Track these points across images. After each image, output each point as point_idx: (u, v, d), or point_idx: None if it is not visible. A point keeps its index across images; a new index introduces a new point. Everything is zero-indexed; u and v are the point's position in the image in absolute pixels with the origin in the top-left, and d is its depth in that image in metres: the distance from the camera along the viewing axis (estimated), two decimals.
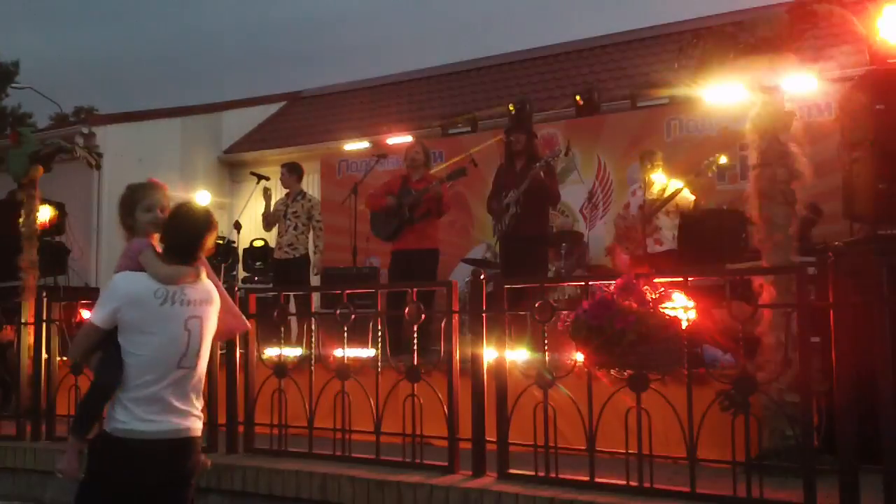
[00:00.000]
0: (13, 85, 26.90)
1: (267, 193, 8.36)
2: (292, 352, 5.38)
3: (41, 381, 5.60)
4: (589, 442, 3.94)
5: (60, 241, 9.50)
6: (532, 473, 4.06)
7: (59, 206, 9.05)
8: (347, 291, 4.84)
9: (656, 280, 3.87)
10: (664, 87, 9.08)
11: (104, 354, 3.05)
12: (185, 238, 3.09)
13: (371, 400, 4.57)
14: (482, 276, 4.44)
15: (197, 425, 3.10)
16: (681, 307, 3.77)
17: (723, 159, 7.15)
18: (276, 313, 4.96)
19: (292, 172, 8.41)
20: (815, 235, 6.42)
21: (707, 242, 6.48)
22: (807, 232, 6.06)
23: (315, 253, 8.33)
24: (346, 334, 4.70)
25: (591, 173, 9.63)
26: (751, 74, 4.30)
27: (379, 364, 4.59)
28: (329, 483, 4.37)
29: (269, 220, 8.38)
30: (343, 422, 4.62)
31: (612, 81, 11.10)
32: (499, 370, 4.25)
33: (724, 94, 4.61)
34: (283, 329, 5.00)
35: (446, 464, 4.32)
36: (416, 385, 4.45)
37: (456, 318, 4.44)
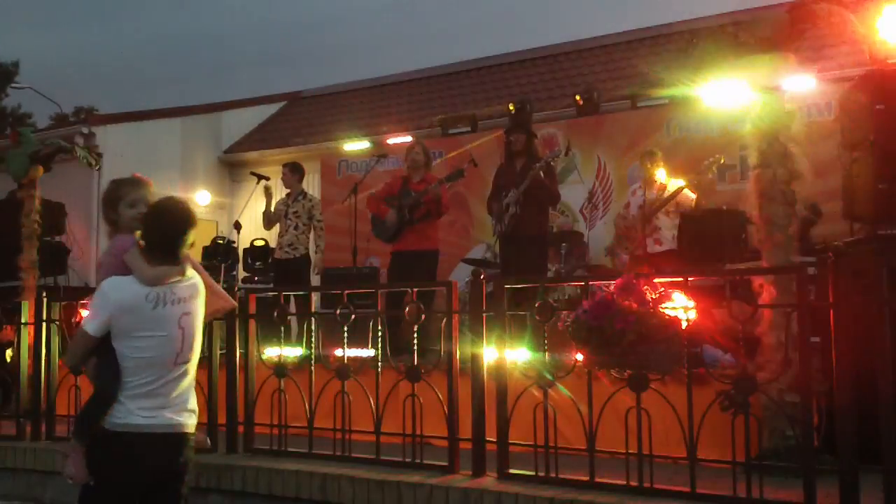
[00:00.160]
0: (13, 85, 26.93)
1: (268, 192, 8.36)
2: (292, 352, 5.38)
3: (41, 381, 5.60)
4: (589, 442, 3.94)
5: (60, 241, 9.51)
6: (532, 473, 4.06)
7: (59, 206, 9.06)
8: (347, 291, 4.84)
9: (656, 280, 3.87)
10: (664, 87, 9.07)
11: (101, 362, 3.05)
12: (165, 236, 3.06)
13: (371, 400, 4.57)
14: (482, 276, 4.44)
15: (191, 421, 3.12)
16: (681, 307, 3.77)
17: (723, 160, 7.16)
18: (275, 313, 4.96)
19: (294, 172, 8.41)
20: (815, 235, 6.42)
21: (707, 242, 6.48)
22: (806, 232, 6.06)
23: (316, 252, 8.33)
24: (346, 334, 4.71)
25: (591, 173, 9.63)
26: (751, 74, 4.31)
27: (379, 364, 4.59)
28: (329, 483, 4.37)
29: (269, 219, 8.38)
30: (343, 422, 4.62)
31: (612, 81, 11.10)
32: (499, 370, 4.25)
33: (724, 94, 4.61)
34: (283, 329, 5.00)
35: (446, 464, 4.32)
36: (416, 385, 4.45)
37: (456, 318, 4.44)
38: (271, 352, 5.11)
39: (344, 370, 4.66)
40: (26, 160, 6.23)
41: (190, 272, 3.18)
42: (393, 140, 10.53)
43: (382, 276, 8.42)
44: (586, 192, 9.38)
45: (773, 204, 4.27)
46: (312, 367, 4.83)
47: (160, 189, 10.34)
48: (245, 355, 5.05)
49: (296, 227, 8.20)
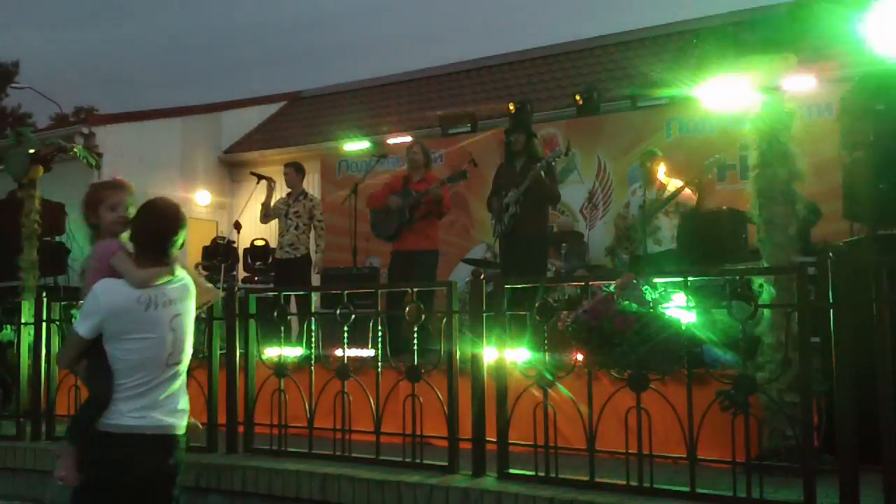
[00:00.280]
0: (13, 85, 26.94)
1: (270, 186, 8.36)
2: (292, 352, 5.38)
3: (41, 381, 5.60)
4: (589, 442, 3.94)
5: (60, 241, 9.51)
6: (532, 473, 4.07)
7: (59, 206, 9.05)
8: (347, 291, 4.84)
9: (656, 280, 3.87)
10: (664, 87, 9.07)
11: (93, 365, 3.06)
12: (156, 237, 3.06)
13: (371, 400, 4.57)
14: (482, 276, 4.44)
15: (182, 422, 3.13)
16: (681, 307, 3.78)
17: (724, 160, 7.17)
18: (275, 313, 4.96)
19: (298, 171, 8.45)
20: (815, 235, 6.42)
21: (707, 242, 6.48)
22: (806, 232, 6.06)
23: (316, 252, 8.33)
24: (346, 334, 4.71)
25: (591, 173, 9.64)
26: (751, 74, 4.30)
27: (379, 364, 4.59)
28: (329, 483, 4.37)
29: (267, 213, 8.38)
30: (343, 422, 4.62)
31: (612, 81, 11.10)
32: (499, 370, 4.25)
33: (724, 94, 4.60)
34: (283, 329, 5.00)
35: (446, 464, 4.32)
36: (416, 385, 4.46)
37: (456, 318, 4.44)
38: (271, 352, 5.11)
39: (344, 370, 4.66)
40: (26, 160, 6.23)
41: (179, 272, 3.17)
42: (393, 140, 10.53)
43: (382, 277, 8.42)
44: (586, 192, 9.39)
45: (773, 204, 4.27)
46: (312, 367, 4.84)
47: (160, 189, 10.36)
48: (245, 355, 5.05)
49: (296, 227, 8.21)
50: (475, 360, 4.33)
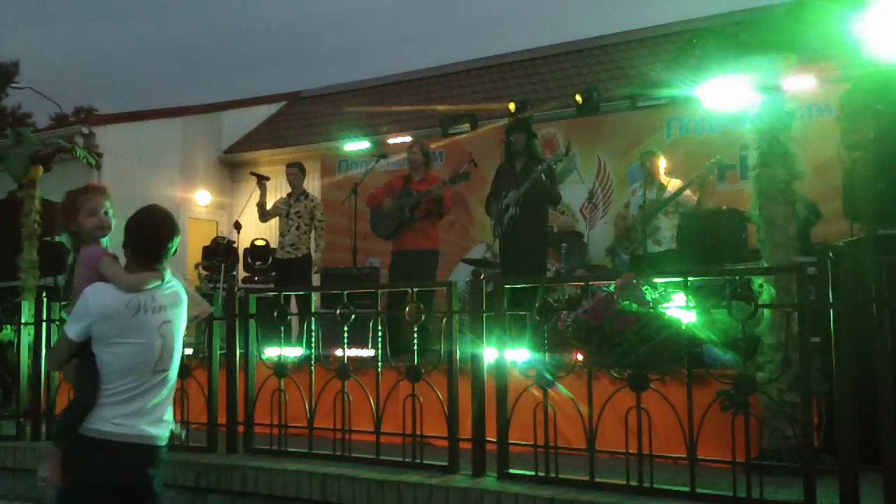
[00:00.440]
0: (13, 85, 26.92)
1: (262, 184, 8.36)
2: (292, 352, 5.38)
3: (41, 381, 5.60)
4: (589, 442, 3.94)
5: (60, 241, 9.50)
6: (532, 473, 4.07)
7: (57, 207, 9.02)
8: (347, 291, 4.84)
9: (656, 280, 3.87)
10: (664, 87, 9.06)
11: (81, 368, 3.06)
12: (149, 243, 3.07)
13: (371, 400, 4.57)
14: (482, 276, 4.45)
15: (164, 433, 3.11)
16: (681, 307, 3.77)
17: (725, 161, 7.18)
18: (275, 313, 4.96)
19: (302, 171, 8.47)
20: (815, 235, 6.42)
21: (707, 242, 6.48)
22: (806, 232, 6.06)
23: (316, 252, 8.34)
24: (346, 334, 4.71)
25: (591, 173, 9.64)
26: (751, 74, 4.31)
27: (379, 364, 4.59)
28: (329, 483, 4.37)
29: (265, 213, 8.38)
30: (343, 422, 4.62)
31: (612, 81, 11.09)
32: (499, 370, 4.25)
33: (724, 94, 4.61)
34: (283, 329, 5.00)
35: (446, 464, 4.32)
36: (416, 385, 4.46)
37: (456, 318, 4.44)
38: (271, 352, 5.11)
39: (344, 370, 4.66)
40: (26, 160, 6.23)
41: (170, 278, 3.16)
42: (393, 140, 10.53)
43: (382, 277, 8.42)
44: (586, 192, 9.40)
45: (773, 204, 4.27)
46: (312, 367, 4.84)
47: (160, 189, 10.35)
48: (245, 355, 5.05)
49: (297, 227, 8.21)
50: (475, 360, 4.33)
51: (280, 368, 4.85)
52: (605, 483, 3.85)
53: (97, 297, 3.00)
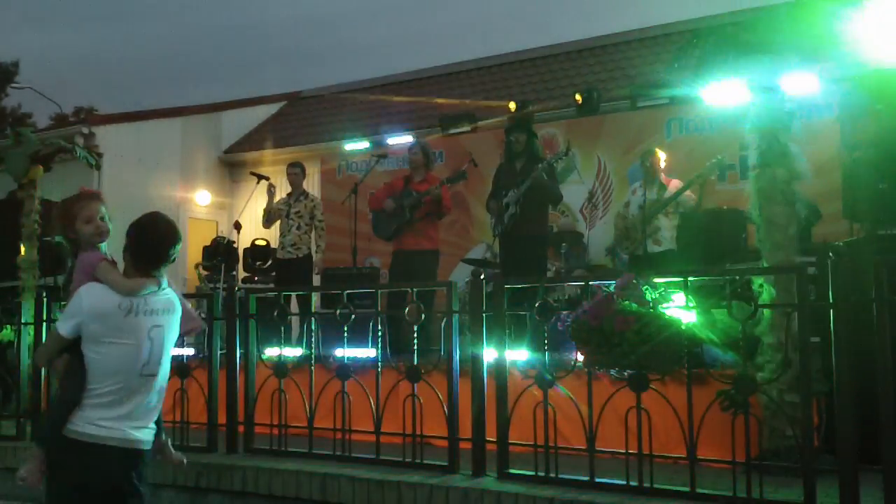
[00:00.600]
0: (13, 85, 26.89)
1: (270, 191, 8.37)
2: (292, 352, 5.38)
3: (41, 381, 5.60)
4: (589, 442, 3.94)
5: (60, 241, 9.49)
6: (532, 473, 4.07)
7: (54, 211, 8.99)
8: (347, 291, 4.84)
9: (656, 280, 3.87)
10: (664, 87, 9.06)
11: (69, 366, 3.08)
12: (149, 250, 3.09)
13: (371, 400, 4.57)
14: (482, 276, 4.45)
15: (149, 437, 3.12)
16: (681, 307, 3.77)
17: (726, 161, 7.19)
18: (275, 313, 4.96)
19: (303, 171, 8.47)
20: (815, 235, 6.42)
21: (707, 242, 6.48)
22: (807, 232, 6.06)
23: (317, 252, 8.33)
24: (346, 334, 4.71)
25: (591, 173, 9.63)
26: (751, 74, 4.31)
27: (379, 364, 4.59)
28: (329, 483, 4.37)
29: (270, 217, 8.38)
30: (343, 422, 4.62)
31: (612, 81, 11.09)
32: (499, 370, 4.25)
33: (724, 94, 4.61)
34: (283, 329, 5.00)
35: (446, 464, 4.32)
36: (416, 385, 4.46)
37: (456, 318, 4.44)
38: (271, 352, 5.11)
39: (344, 370, 4.66)
40: (26, 160, 6.22)
41: (166, 286, 3.18)
42: (393, 140, 10.52)
43: (383, 277, 8.42)
44: (586, 192, 9.39)
45: (773, 204, 4.27)
46: (312, 367, 4.84)
47: (160, 189, 10.35)
48: (245, 355, 5.05)
49: (298, 227, 8.21)
50: (475, 360, 4.32)
51: (280, 368, 4.85)
52: (605, 483, 3.85)
53: (90, 296, 3.02)
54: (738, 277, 3.92)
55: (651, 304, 3.72)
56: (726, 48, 4.38)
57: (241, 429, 5.03)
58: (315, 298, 5.31)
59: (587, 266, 8.25)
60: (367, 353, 4.94)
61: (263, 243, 10.06)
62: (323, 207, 8.59)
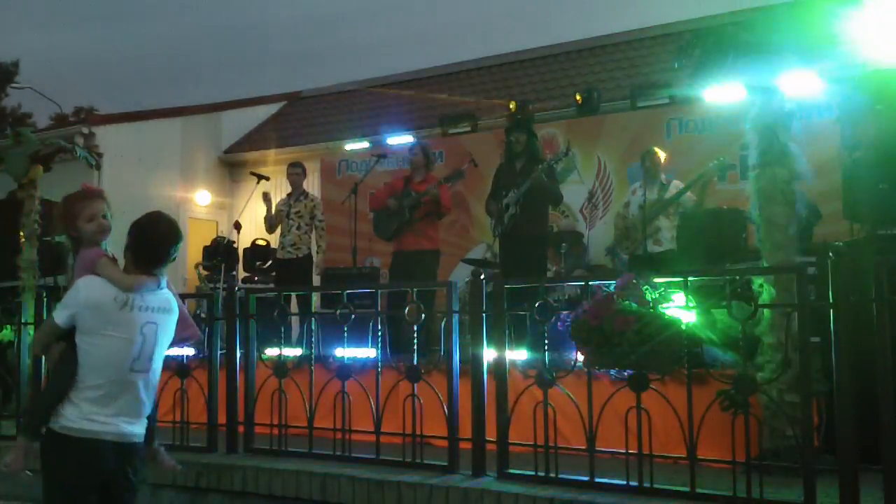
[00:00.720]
0: (13, 85, 26.86)
1: (267, 197, 8.37)
2: (292, 352, 5.37)
3: (41, 381, 5.59)
4: (589, 442, 3.94)
5: (60, 241, 9.49)
6: (532, 473, 4.07)
7: (55, 209, 8.99)
8: (347, 291, 4.85)
9: (656, 280, 3.87)
10: (664, 87, 9.07)
11: (64, 355, 3.10)
12: (150, 250, 3.12)
13: (371, 400, 4.57)
14: (482, 276, 4.45)
15: (141, 430, 3.14)
16: (681, 307, 3.77)
17: (727, 162, 7.20)
18: (276, 313, 4.96)
19: (304, 171, 8.48)
20: (815, 235, 6.42)
21: (707, 242, 6.47)
22: (807, 232, 6.06)
23: (318, 252, 8.33)
24: (346, 334, 4.71)
25: (591, 173, 9.63)
26: (751, 74, 4.31)
27: (379, 364, 4.59)
28: (329, 483, 4.37)
29: (272, 223, 8.39)
30: (343, 422, 4.62)
31: (612, 81, 11.09)
32: (499, 370, 4.25)
33: (724, 94, 4.61)
34: (283, 329, 5.00)
35: (446, 464, 4.32)
36: (416, 385, 4.46)
37: (456, 318, 4.44)
38: (271, 352, 5.11)
39: (344, 370, 4.66)
40: (26, 160, 6.22)
41: (165, 286, 3.21)
42: (393, 140, 10.52)
43: (383, 277, 8.42)
44: (586, 192, 9.38)
45: (773, 204, 4.27)
46: (312, 367, 4.84)
47: (160, 189, 10.34)
48: (245, 355, 5.05)
49: (298, 227, 8.21)
50: (475, 360, 4.33)
51: (280, 368, 4.85)
52: (605, 483, 3.85)
53: (87, 288, 3.06)
54: (738, 277, 3.92)
55: (651, 304, 3.72)
56: (726, 48, 4.37)
57: (241, 429, 5.03)
58: (315, 298, 5.31)
59: (587, 266, 8.25)
60: (367, 353, 4.94)
61: (263, 243, 10.06)
62: (323, 207, 8.60)
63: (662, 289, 3.81)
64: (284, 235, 8.27)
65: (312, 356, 4.87)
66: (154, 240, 3.11)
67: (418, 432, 4.46)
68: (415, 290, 4.66)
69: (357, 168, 10.99)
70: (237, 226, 9.28)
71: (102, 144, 11.54)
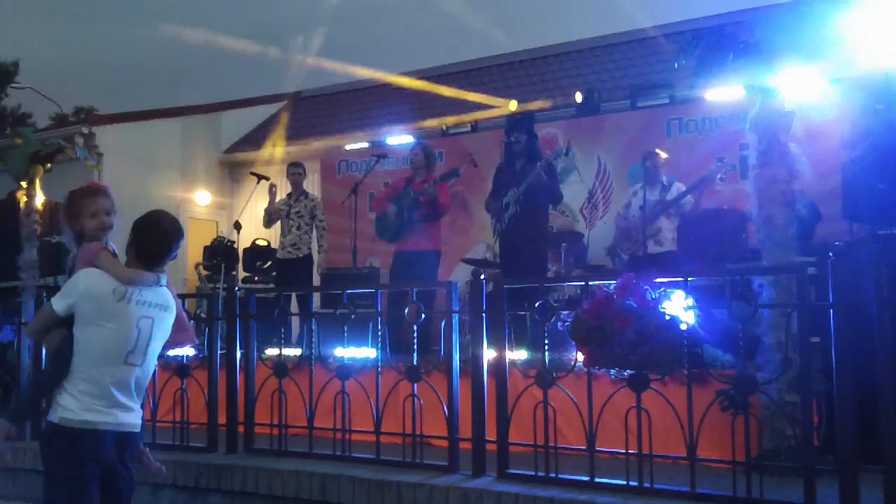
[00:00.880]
0: (13, 85, 26.86)
1: (272, 190, 8.36)
2: (292, 352, 5.37)
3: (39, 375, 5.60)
4: (589, 442, 3.94)
5: (60, 241, 9.50)
6: (532, 473, 4.07)
7: (59, 206, 9.00)
8: (347, 291, 4.85)
9: (656, 280, 3.87)
10: (664, 87, 9.07)
11: (59, 347, 3.14)
12: (152, 249, 3.20)
13: (371, 400, 4.57)
14: (482, 276, 4.45)
15: (137, 420, 3.21)
16: (681, 307, 3.77)
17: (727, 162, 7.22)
18: (276, 313, 4.96)
19: (304, 171, 8.48)
20: (815, 235, 6.42)
21: (707, 243, 6.48)
22: (808, 232, 6.05)
23: (319, 252, 8.33)
24: (346, 334, 4.71)
25: (591, 173, 9.62)
26: (750, 74, 4.31)
27: (379, 364, 4.59)
28: (329, 483, 4.37)
29: (270, 217, 8.38)
30: (343, 422, 4.62)
31: (612, 81, 11.09)
32: (499, 370, 4.25)
33: (724, 94, 4.61)
34: (283, 329, 5.00)
35: (446, 464, 4.32)
36: (416, 385, 4.46)
37: (456, 318, 4.44)
38: (271, 352, 5.11)
39: (344, 370, 4.66)
40: (26, 160, 6.22)
41: (164, 283, 3.26)
42: (393, 140, 10.53)
43: (383, 277, 8.42)
44: (586, 192, 9.38)
45: (773, 204, 4.27)
46: (312, 367, 4.84)
47: (160, 189, 10.33)
48: (245, 355, 5.05)
49: (298, 227, 8.20)
50: (475, 360, 4.32)
51: (280, 368, 4.85)
52: (605, 483, 3.85)
53: (86, 279, 3.13)
54: (738, 277, 3.92)
55: (651, 304, 3.72)
56: (726, 48, 4.37)
57: (241, 429, 5.03)
58: (315, 298, 5.31)
59: (587, 266, 8.25)
60: (367, 353, 4.94)
61: (264, 243, 10.06)
62: (323, 207, 8.60)
63: (662, 289, 3.81)
64: (285, 235, 8.27)
65: (312, 356, 4.86)
66: (157, 237, 3.19)
67: (418, 432, 4.46)
68: (415, 289, 4.66)
69: (357, 168, 10.99)
70: (237, 226, 9.28)
71: (102, 144, 11.54)
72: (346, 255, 8.31)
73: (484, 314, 4.34)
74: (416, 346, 4.51)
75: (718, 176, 7.29)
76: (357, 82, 15.09)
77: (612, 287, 3.88)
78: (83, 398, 3.04)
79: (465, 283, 4.90)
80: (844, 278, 3.53)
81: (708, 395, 3.74)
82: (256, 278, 9.88)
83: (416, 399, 4.46)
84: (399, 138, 10.25)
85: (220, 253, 9.69)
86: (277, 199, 8.55)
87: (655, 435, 3.87)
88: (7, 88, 28.82)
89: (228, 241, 9.90)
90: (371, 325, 4.78)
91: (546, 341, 4.16)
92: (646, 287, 3.78)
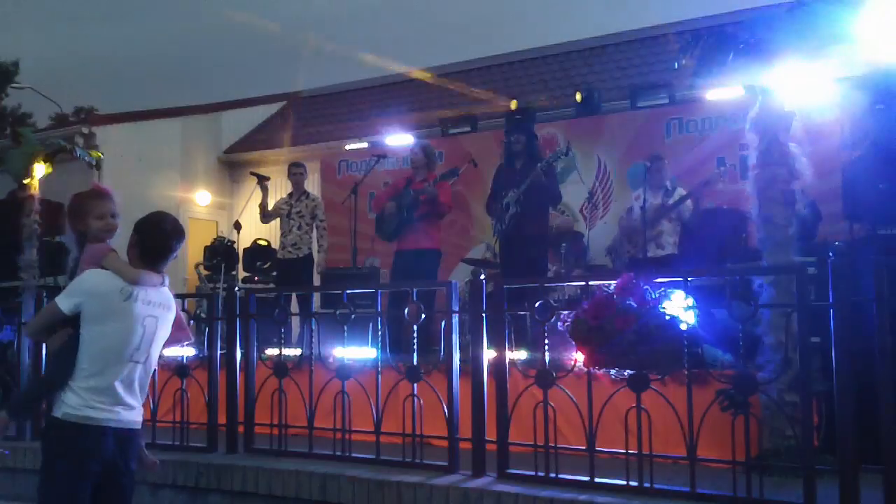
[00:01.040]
0: (13, 85, 26.85)
1: (264, 185, 8.35)
2: (292, 352, 5.37)
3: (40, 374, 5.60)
4: (589, 442, 3.94)
5: (60, 241, 9.50)
6: (532, 473, 4.07)
7: (59, 206, 9.01)
8: (347, 291, 4.84)
9: (656, 280, 3.87)
10: (664, 87, 9.07)
11: (62, 348, 3.15)
12: (155, 249, 3.25)
13: (371, 400, 4.57)
14: (482, 276, 4.45)
15: (139, 418, 3.25)
16: (681, 307, 3.77)
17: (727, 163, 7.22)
18: (276, 313, 4.96)
19: (306, 171, 8.48)
20: (816, 235, 6.42)
21: (707, 243, 6.48)
22: (810, 232, 6.05)
23: (320, 252, 8.33)
24: (346, 334, 4.71)
25: (591, 173, 9.62)
26: (750, 74, 4.31)
27: (379, 364, 4.59)
28: (329, 483, 4.37)
29: (267, 214, 8.37)
30: (343, 422, 4.62)
31: (612, 81, 11.10)
32: (499, 370, 4.25)
33: (724, 94, 4.61)
34: (283, 329, 5.00)
35: (446, 464, 4.32)
36: (416, 385, 4.46)
37: (456, 318, 4.44)
38: (271, 352, 5.11)
39: (344, 370, 4.66)
40: (26, 160, 6.22)
41: (166, 286, 3.32)
42: (393, 140, 10.53)
43: (383, 276, 8.42)
44: (586, 192, 9.37)
45: (773, 204, 4.27)
46: (312, 367, 4.84)
47: (160, 189, 10.34)
48: (245, 355, 5.05)
49: (299, 227, 8.20)
50: (475, 360, 4.32)
51: (280, 368, 4.85)
52: (605, 483, 3.85)
53: (92, 278, 3.17)
54: (738, 277, 3.92)
55: (651, 304, 3.72)
56: (726, 48, 4.37)
57: (241, 429, 5.03)
58: (315, 298, 5.31)
59: (587, 266, 8.25)
60: (367, 353, 4.94)
61: (264, 243, 10.06)
62: (324, 207, 8.59)
63: (662, 289, 3.81)
64: (285, 235, 8.27)
65: (312, 356, 4.86)
66: (159, 238, 3.24)
67: (418, 432, 4.46)
68: (415, 289, 4.66)
69: (357, 168, 10.99)
70: (237, 226, 9.28)
71: (102, 144, 11.53)
72: (346, 255, 8.31)
73: (484, 314, 4.34)
74: (415, 346, 4.51)
75: (718, 181, 7.29)
76: (357, 82, 15.10)
77: (612, 287, 3.88)
78: (87, 395, 3.07)
79: (465, 283, 4.89)
80: (844, 278, 3.53)
81: (708, 395, 3.74)
82: (256, 278, 9.88)
83: (416, 399, 4.46)
84: (399, 138, 10.24)
85: (220, 253, 9.69)
86: (278, 198, 8.55)
87: (655, 435, 3.87)
88: (7, 88, 28.82)
89: (228, 241, 9.90)
90: (371, 325, 4.78)
91: (546, 341, 4.16)
92: (646, 287, 3.78)
